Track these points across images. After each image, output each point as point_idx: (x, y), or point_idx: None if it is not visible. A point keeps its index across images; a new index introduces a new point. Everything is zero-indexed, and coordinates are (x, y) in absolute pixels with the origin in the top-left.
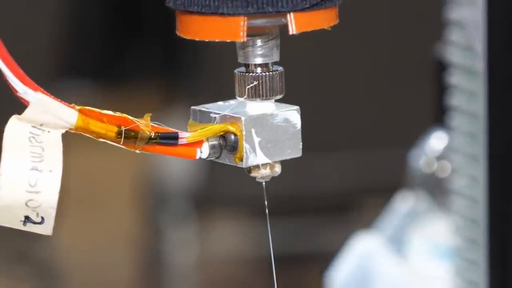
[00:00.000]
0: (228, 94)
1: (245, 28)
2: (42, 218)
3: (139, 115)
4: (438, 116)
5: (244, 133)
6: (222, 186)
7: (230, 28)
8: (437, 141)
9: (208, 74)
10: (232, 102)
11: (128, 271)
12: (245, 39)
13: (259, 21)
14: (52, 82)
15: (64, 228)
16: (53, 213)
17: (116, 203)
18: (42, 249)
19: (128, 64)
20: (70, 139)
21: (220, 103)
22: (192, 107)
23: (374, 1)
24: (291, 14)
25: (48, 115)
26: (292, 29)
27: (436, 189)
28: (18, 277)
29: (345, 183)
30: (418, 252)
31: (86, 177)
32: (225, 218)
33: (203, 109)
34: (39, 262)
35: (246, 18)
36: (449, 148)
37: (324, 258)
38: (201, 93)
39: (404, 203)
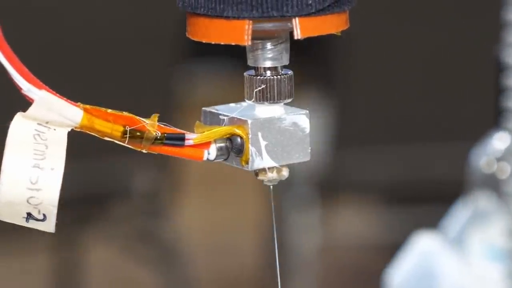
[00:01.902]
0: (356, 84)
1: (249, 32)
2: (44, 215)
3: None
4: (498, 117)
5: (250, 136)
6: (347, 171)
7: (235, 32)
8: (498, 142)
9: (339, 62)
10: (244, 104)
11: (251, 255)
12: (249, 43)
13: (264, 25)
14: (192, 63)
15: (190, 210)
16: (54, 210)
17: (241, 187)
18: (167, 230)
19: None
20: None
21: (232, 105)
22: (203, 108)
23: (439, 2)
24: (296, 19)
25: (53, 113)
26: (297, 34)
27: (496, 190)
28: (142, 257)
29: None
30: (476, 253)
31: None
32: (349, 204)
33: (213, 110)
34: (163, 243)
35: (251, 22)
36: (508, 150)
37: None
38: (332, 79)
39: (466, 203)
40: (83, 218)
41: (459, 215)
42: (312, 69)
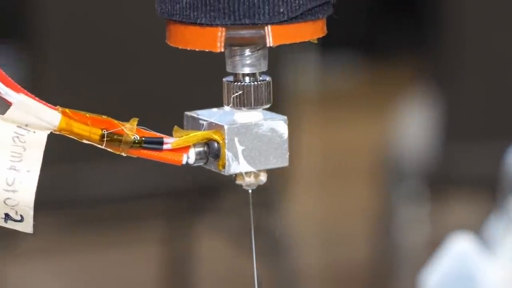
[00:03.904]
0: (467, 79)
1: (222, 39)
2: (21, 216)
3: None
4: None
5: (226, 141)
6: (456, 165)
7: (208, 38)
8: None
9: (450, 57)
10: (226, 109)
11: (362, 247)
12: (222, 50)
13: (237, 33)
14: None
15: (300, 201)
16: (30, 212)
17: (352, 179)
18: (277, 222)
19: (392, 39)
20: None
21: (214, 109)
22: (185, 112)
23: None
24: (269, 26)
25: (31, 116)
26: (269, 42)
27: None
28: (250, 249)
29: None
30: (508, 256)
31: (325, 152)
32: (458, 198)
33: (194, 115)
34: (273, 235)
35: (224, 29)
36: None
37: None
38: (443, 73)
39: (503, 205)
40: (195, 209)
41: (496, 217)
42: (424, 64)
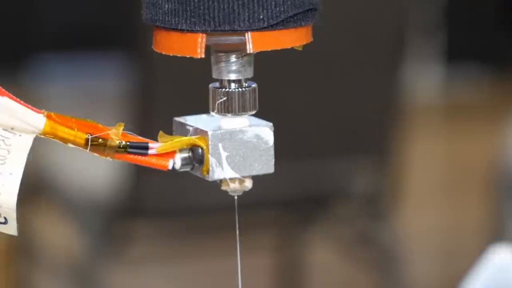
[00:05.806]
0: None
1: (202, 45)
2: (5, 218)
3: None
4: None
5: (210, 147)
6: None
7: (189, 44)
8: None
9: None
10: (214, 115)
11: (471, 261)
12: (202, 56)
13: (218, 39)
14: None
15: (410, 213)
16: (13, 214)
17: (463, 190)
18: (386, 233)
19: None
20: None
21: (203, 116)
22: (174, 118)
23: None
24: (249, 33)
25: (15, 119)
26: (249, 48)
27: None
28: (361, 259)
29: None
30: None
31: (440, 164)
32: None
33: (182, 121)
34: (382, 245)
35: (204, 35)
36: None
37: None
38: None
39: None
40: (306, 218)
41: None
42: None
